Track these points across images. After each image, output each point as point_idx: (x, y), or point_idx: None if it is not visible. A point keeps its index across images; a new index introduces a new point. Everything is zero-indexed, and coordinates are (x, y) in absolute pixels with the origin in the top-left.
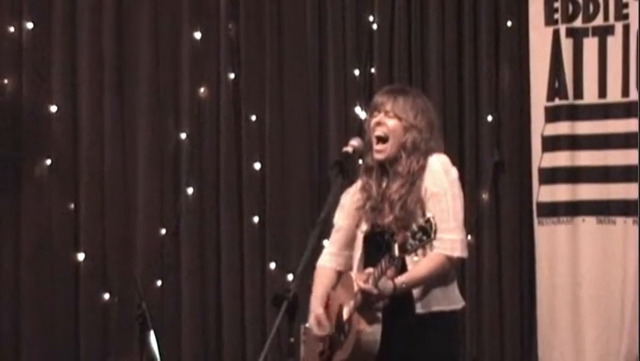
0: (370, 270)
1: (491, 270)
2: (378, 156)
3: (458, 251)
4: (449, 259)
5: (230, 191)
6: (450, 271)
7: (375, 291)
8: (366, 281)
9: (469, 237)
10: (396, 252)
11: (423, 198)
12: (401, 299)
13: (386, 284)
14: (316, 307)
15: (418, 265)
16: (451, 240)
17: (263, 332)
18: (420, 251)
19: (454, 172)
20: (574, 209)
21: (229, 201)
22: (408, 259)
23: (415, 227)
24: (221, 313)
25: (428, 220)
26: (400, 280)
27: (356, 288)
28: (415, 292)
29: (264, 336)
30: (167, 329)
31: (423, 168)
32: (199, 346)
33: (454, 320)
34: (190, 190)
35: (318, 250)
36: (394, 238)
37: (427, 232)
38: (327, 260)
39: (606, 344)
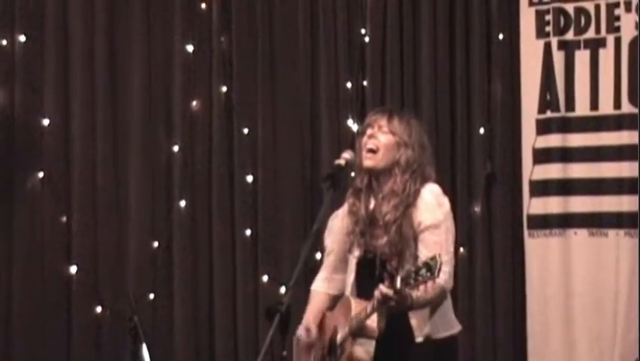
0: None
1: (483, 282)
2: (368, 163)
3: (449, 283)
4: (445, 290)
5: (223, 204)
6: (442, 300)
7: (391, 293)
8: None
9: (462, 249)
10: (399, 284)
11: (416, 229)
12: (400, 328)
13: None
14: (308, 318)
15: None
16: (443, 272)
17: (255, 345)
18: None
19: (446, 203)
20: (566, 221)
21: (221, 214)
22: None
23: (419, 263)
24: (213, 325)
25: (434, 258)
26: (415, 294)
27: (353, 313)
28: (414, 321)
29: (257, 349)
30: (159, 342)
31: (417, 194)
32: (191, 359)
33: (452, 345)
34: (182, 203)
35: (310, 262)
36: (397, 270)
37: (431, 270)
38: (320, 285)
39: (598, 356)
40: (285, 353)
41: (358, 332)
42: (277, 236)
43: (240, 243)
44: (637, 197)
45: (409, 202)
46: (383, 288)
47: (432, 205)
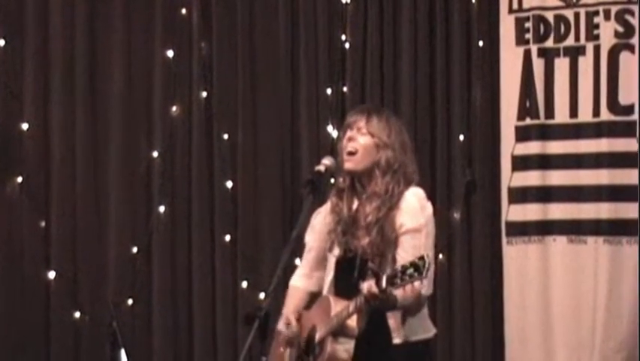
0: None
1: (462, 289)
2: (349, 165)
3: (425, 288)
4: (423, 297)
5: (202, 209)
6: (420, 308)
7: (378, 292)
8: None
9: (441, 256)
10: (384, 284)
11: (397, 231)
12: (377, 329)
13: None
14: (288, 312)
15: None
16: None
17: (235, 351)
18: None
19: (429, 207)
20: (545, 228)
21: (201, 220)
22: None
23: (407, 263)
24: (192, 331)
25: (422, 258)
26: (400, 295)
27: (333, 313)
28: (392, 322)
29: (236, 355)
30: (138, 348)
31: (401, 195)
32: None
33: (428, 348)
34: (162, 209)
35: (289, 268)
36: (382, 270)
37: (419, 270)
38: (299, 280)
39: None
40: (264, 359)
41: (339, 330)
42: (257, 242)
43: (220, 248)
44: (615, 204)
45: (391, 204)
46: (372, 286)
47: (415, 208)
